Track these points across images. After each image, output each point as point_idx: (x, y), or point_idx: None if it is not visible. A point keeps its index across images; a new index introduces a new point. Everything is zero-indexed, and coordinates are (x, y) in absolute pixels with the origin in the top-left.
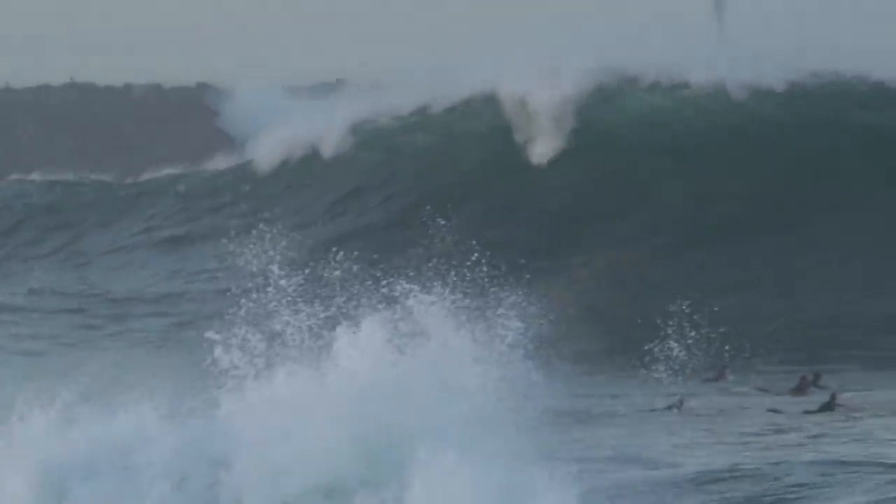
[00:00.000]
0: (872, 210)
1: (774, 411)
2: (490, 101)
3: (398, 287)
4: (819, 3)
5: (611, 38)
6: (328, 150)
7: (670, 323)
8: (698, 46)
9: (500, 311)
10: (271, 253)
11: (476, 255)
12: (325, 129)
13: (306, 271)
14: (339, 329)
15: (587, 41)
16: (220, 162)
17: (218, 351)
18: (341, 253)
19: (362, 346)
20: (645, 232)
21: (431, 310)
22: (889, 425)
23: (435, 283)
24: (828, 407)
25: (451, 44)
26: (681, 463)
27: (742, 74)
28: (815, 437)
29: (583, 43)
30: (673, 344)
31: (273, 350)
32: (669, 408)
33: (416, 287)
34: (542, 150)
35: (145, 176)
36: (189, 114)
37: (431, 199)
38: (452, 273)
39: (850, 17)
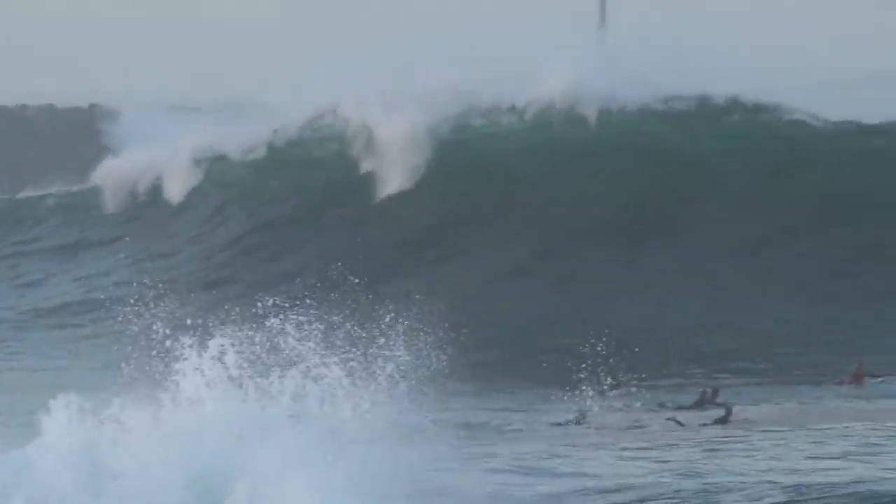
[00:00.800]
0: (757, 218)
1: (675, 422)
2: (343, 123)
3: (256, 310)
4: (697, 26)
5: (466, 55)
6: (175, 173)
7: (566, 336)
8: (577, 66)
9: (363, 331)
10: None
11: (336, 278)
12: (172, 152)
13: (160, 291)
14: (183, 352)
15: (441, 60)
16: (95, 181)
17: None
18: (198, 273)
19: (208, 373)
20: (523, 242)
21: (292, 335)
22: (781, 437)
23: (297, 309)
24: (723, 420)
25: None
26: (579, 474)
27: (599, 90)
28: (710, 450)
29: (437, 62)
30: (568, 357)
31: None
32: (569, 422)
33: (277, 310)
34: (398, 171)
35: (23, 193)
36: (80, 134)
37: (287, 220)
38: (314, 299)
39: (725, 36)
